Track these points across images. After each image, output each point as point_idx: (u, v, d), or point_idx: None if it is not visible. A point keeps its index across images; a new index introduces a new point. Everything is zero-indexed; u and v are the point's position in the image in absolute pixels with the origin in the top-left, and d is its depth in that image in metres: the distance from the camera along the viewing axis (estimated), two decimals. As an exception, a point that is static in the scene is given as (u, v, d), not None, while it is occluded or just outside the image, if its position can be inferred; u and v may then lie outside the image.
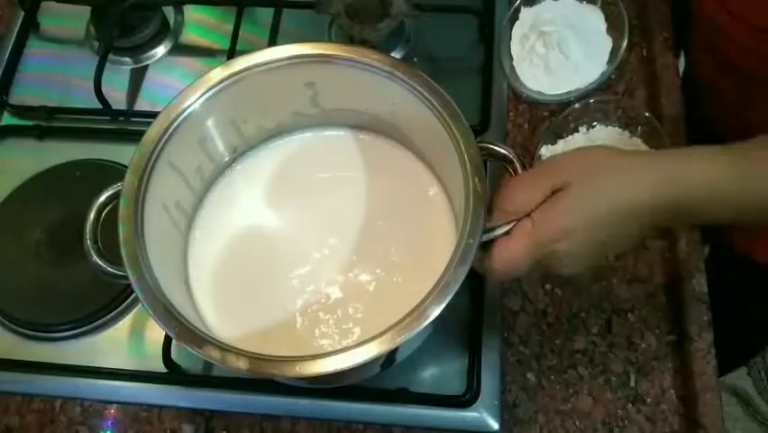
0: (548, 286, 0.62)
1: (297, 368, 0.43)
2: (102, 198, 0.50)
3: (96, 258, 0.49)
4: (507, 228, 0.46)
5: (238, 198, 0.59)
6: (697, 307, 0.59)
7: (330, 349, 0.45)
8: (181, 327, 0.45)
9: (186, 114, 0.53)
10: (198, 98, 0.53)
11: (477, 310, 0.59)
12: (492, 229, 0.46)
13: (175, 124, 0.52)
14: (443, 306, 0.43)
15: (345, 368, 0.42)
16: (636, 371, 0.58)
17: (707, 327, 0.58)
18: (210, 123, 0.55)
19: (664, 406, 0.57)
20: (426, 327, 0.43)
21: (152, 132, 0.52)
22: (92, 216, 0.50)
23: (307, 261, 0.56)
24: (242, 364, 0.43)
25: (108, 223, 0.50)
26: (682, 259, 0.61)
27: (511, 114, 0.70)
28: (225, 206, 0.59)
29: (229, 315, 0.54)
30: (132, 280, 0.47)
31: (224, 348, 0.44)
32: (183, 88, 0.53)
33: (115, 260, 0.49)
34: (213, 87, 0.53)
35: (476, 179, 0.47)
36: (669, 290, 0.61)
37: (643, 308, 0.60)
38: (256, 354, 0.44)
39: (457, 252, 0.45)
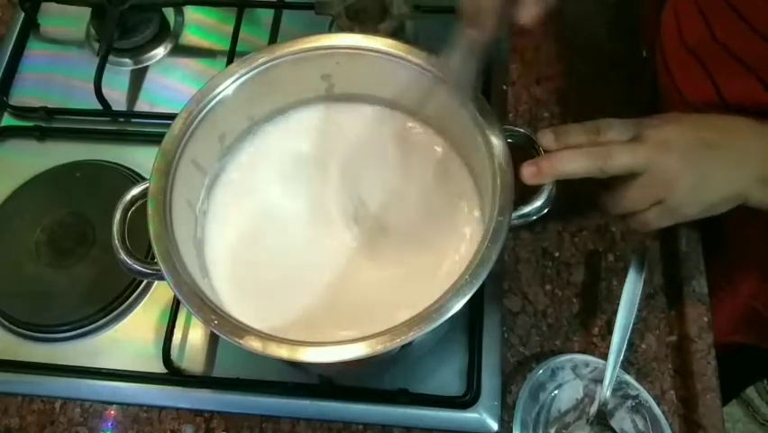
0: (548, 287, 0.62)
1: (336, 353, 0.43)
2: (128, 197, 0.51)
3: (124, 256, 0.49)
4: (539, 203, 0.48)
5: (253, 183, 0.58)
6: (697, 308, 0.59)
7: (356, 335, 0.44)
8: (220, 319, 0.45)
9: (205, 111, 0.53)
10: (217, 95, 0.53)
11: (477, 311, 0.59)
12: (523, 206, 0.48)
13: (196, 120, 0.52)
14: (478, 284, 0.44)
15: (387, 350, 0.42)
16: (636, 372, 0.58)
17: (707, 328, 0.58)
18: (228, 118, 0.55)
19: (664, 407, 0.57)
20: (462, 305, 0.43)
21: (175, 129, 0.52)
22: (118, 215, 0.50)
23: (327, 243, 0.55)
24: (284, 353, 0.43)
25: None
26: (682, 259, 0.61)
27: (511, 115, 0.70)
28: (239, 190, 0.58)
29: (249, 306, 0.53)
30: (166, 273, 0.46)
31: (265, 337, 0.44)
32: (210, 79, 0.53)
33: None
34: (233, 82, 0.54)
35: (501, 159, 0.48)
36: (669, 290, 0.61)
37: (643, 309, 0.60)
38: (296, 341, 0.43)
39: (488, 231, 0.45)
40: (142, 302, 0.63)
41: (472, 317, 0.59)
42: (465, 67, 0.48)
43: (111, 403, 0.60)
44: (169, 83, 0.75)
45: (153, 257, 0.48)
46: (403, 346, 0.43)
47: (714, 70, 0.58)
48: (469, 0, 0.45)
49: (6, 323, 0.63)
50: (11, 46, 0.78)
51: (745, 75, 0.54)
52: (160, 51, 0.77)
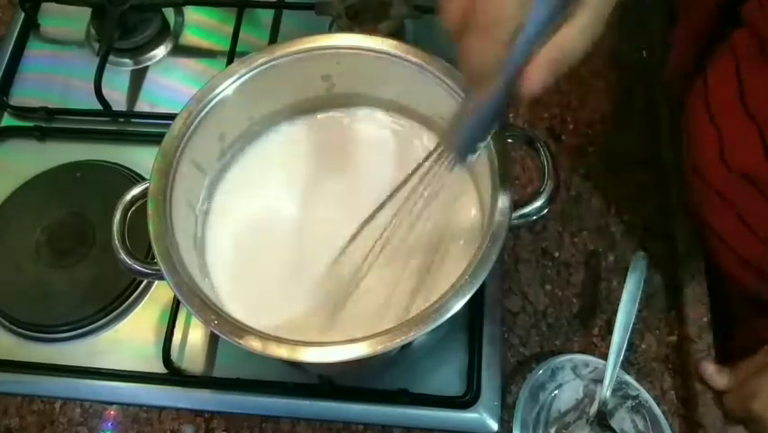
0: (548, 287, 0.62)
1: (336, 353, 0.43)
2: (128, 197, 0.51)
3: (124, 256, 0.49)
4: (540, 203, 0.48)
5: (253, 184, 0.58)
6: (697, 308, 0.59)
7: (355, 336, 0.44)
8: (220, 319, 0.45)
9: (205, 111, 0.53)
10: (217, 95, 0.53)
11: (477, 311, 0.59)
12: (523, 206, 0.48)
13: (196, 120, 0.52)
14: (478, 284, 0.44)
15: (387, 350, 0.42)
16: (636, 372, 0.58)
17: (706, 329, 0.58)
18: (228, 118, 0.55)
19: (664, 407, 0.57)
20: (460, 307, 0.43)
21: (175, 129, 0.52)
22: (118, 215, 0.50)
23: (327, 244, 0.54)
24: (284, 353, 0.43)
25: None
26: (682, 260, 0.61)
27: (511, 114, 0.70)
28: (240, 190, 0.58)
29: (249, 306, 0.53)
30: (166, 273, 0.46)
31: (265, 337, 0.44)
32: (210, 79, 0.53)
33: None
34: (233, 82, 0.54)
35: (501, 159, 0.48)
36: (669, 291, 0.61)
37: (643, 309, 0.60)
38: (297, 341, 0.43)
39: (489, 230, 0.45)
40: (142, 302, 0.63)
41: (472, 317, 0.59)
42: (463, 129, 0.43)
43: (111, 403, 0.60)
44: (169, 83, 0.75)
45: (153, 257, 0.47)
46: (403, 346, 0.43)
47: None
48: (468, 58, 0.38)
49: (6, 323, 0.63)
50: (11, 46, 0.78)
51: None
52: (160, 51, 0.77)
